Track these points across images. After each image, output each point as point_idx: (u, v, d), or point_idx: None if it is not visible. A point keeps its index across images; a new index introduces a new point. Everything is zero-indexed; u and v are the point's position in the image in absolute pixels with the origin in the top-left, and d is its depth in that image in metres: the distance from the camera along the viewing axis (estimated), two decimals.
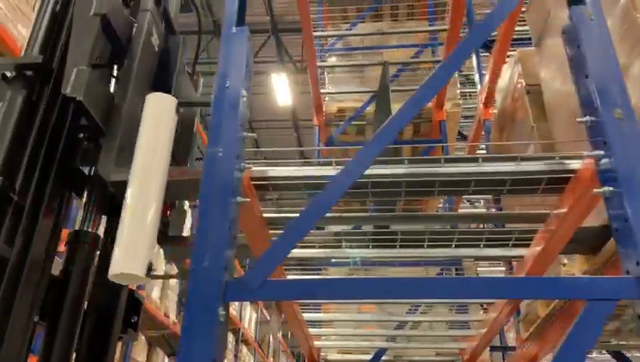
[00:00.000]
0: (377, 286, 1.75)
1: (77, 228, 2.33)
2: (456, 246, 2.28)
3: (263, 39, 14.64)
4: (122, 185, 2.15)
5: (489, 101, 4.50)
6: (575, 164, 1.79)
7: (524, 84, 2.96)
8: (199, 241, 1.68)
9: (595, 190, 1.65)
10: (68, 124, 2.26)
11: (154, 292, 6.26)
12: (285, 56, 15.22)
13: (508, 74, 3.36)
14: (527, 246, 2.25)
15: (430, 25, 5.61)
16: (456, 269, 3.98)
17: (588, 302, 1.50)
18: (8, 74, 2.17)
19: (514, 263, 3.55)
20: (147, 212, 1.80)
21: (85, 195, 2.41)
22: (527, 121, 2.90)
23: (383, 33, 5.56)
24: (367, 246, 2.41)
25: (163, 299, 6.67)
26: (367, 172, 1.85)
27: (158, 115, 2.03)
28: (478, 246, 2.27)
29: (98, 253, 2.34)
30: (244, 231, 2.17)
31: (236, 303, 13.40)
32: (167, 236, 2.51)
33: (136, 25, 2.54)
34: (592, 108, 1.69)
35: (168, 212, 2.55)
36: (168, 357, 7.52)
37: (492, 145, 3.73)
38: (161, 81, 2.64)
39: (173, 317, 7.01)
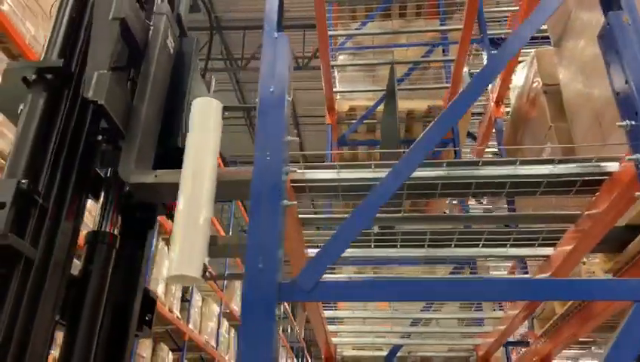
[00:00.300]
0: (431, 287, 1.76)
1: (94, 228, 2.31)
2: (484, 246, 2.28)
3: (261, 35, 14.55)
4: (142, 187, 2.19)
5: (501, 99, 4.50)
6: (612, 167, 1.81)
7: (541, 83, 2.95)
8: (252, 243, 1.68)
9: (637, 193, 1.66)
10: (87, 126, 2.26)
11: (158, 288, 6.28)
12: None
13: (523, 73, 3.35)
14: (552, 246, 2.25)
15: (441, 24, 5.62)
16: (471, 268, 3.98)
17: (635, 304, 1.49)
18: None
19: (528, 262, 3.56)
20: (200, 214, 1.81)
21: (102, 196, 2.41)
22: (544, 121, 2.90)
23: (395, 32, 5.57)
24: (395, 246, 2.41)
25: (167, 295, 6.70)
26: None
27: (206, 118, 2.02)
28: (504, 246, 2.27)
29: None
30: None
31: (237, 298, 13.44)
32: None
33: (152, 28, 2.56)
34: (632, 113, 1.70)
35: None
36: (172, 352, 7.54)
37: (506, 146, 3.72)
38: (176, 83, 2.65)
39: (177, 312, 7.03)
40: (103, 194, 2.41)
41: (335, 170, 2.10)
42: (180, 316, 7.15)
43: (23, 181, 1.86)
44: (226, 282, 10.91)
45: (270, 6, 2.19)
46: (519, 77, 3.50)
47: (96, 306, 2.17)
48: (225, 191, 2.13)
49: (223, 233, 10.34)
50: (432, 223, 2.40)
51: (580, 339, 4.29)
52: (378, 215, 2.07)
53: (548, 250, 2.27)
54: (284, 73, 2.04)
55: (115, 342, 2.25)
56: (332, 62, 5.36)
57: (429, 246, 2.35)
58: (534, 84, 3.06)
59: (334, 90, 5.44)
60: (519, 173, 1.86)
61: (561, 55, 2.78)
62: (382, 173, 1.91)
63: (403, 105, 5.12)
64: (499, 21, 6.32)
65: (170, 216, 2.49)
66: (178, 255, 1.76)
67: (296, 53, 14.97)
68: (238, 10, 13.38)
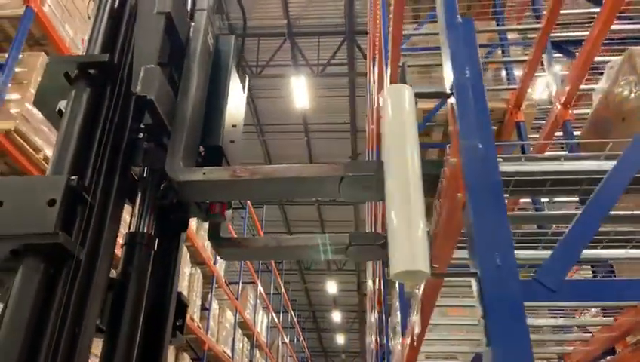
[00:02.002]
0: None
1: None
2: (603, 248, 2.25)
3: (277, 43, 14.66)
4: (190, 185, 2.12)
5: (569, 102, 4.41)
6: None
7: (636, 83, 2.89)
8: (481, 240, 1.58)
9: None
10: (129, 123, 2.21)
11: None
12: (300, 60, 15.23)
13: (610, 74, 3.29)
14: None
15: (498, 25, 5.57)
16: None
17: None
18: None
19: None
20: (413, 205, 1.69)
21: (139, 196, 2.35)
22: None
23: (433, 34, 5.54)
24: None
25: (189, 303, 6.63)
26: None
27: (401, 107, 1.90)
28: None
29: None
30: None
31: (250, 307, 13.37)
32: (219, 237, 2.46)
33: (193, 24, 2.52)
34: None
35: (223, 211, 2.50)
36: (193, 361, 7.48)
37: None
38: (215, 82, 2.61)
39: (197, 320, 6.98)
40: (139, 193, 2.36)
41: (558, 162, 2.01)
42: (200, 324, 7.10)
43: (72, 178, 1.80)
44: (240, 290, 10.84)
45: None
46: (603, 79, 3.45)
47: (137, 309, 2.10)
48: (310, 188, 2.08)
49: None
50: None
51: None
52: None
53: None
54: (475, 56, 1.92)
55: (151, 347, 2.17)
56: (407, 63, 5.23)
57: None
58: (627, 84, 3.01)
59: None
60: None
61: None
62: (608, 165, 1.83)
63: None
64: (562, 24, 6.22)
65: (211, 218, 2.45)
66: (401, 250, 1.65)
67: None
68: (252, 17, 13.45)
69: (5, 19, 5.37)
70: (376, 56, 7.16)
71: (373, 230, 10.04)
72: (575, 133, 4.29)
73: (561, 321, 3.73)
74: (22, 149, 4.97)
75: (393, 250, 1.63)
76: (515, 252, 1.56)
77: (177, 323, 2.39)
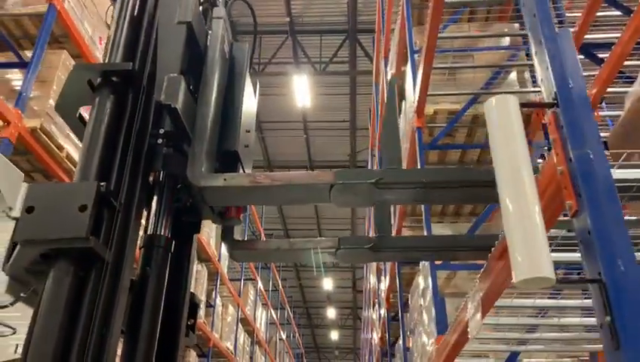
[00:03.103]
0: None
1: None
2: None
3: (279, 40, 14.66)
4: (211, 191, 2.18)
5: (595, 104, 4.43)
6: None
7: None
8: (603, 247, 1.61)
9: None
10: (149, 129, 2.27)
11: None
12: (302, 58, 15.24)
13: None
14: None
15: (521, 28, 5.62)
16: None
17: None
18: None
19: None
20: (534, 214, 1.70)
21: (156, 199, 2.41)
22: None
23: (471, 37, 5.65)
24: None
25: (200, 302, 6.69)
26: None
27: (508, 117, 1.91)
28: None
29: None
30: None
31: (250, 304, 13.44)
32: (233, 239, 2.54)
33: (210, 32, 2.58)
34: None
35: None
36: (199, 357, 7.53)
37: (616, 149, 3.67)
38: (230, 88, 2.67)
39: (203, 317, 7.03)
40: (156, 197, 2.42)
41: None
42: (205, 321, 7.15)
43: (102, 183, 1.86)
44: (242, 286, 10.89)
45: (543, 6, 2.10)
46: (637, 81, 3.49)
47: (156, 311, 2.17)
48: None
49: None
50: None
51: None
52: None
53: None
54: (577, 66, 1.94)
55: (167, 347, 2.23)
56: (441, 64, 5.30)
57: None
58: None
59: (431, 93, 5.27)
60: None
61: None
62: None
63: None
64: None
65: (227, 222, 2.51)
66: (525, 257, 1.69)
67: (312, 59, 15.05)
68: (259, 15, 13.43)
69: (26, 16, 5.42)
70: (395, 56, 7.14)
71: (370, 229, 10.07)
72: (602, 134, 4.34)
73: None
74: (46, 147, 5.02)
75: (516, 258, 1.67)
76: None
77: (189, 323, 2.45)
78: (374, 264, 11.62)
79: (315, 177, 2.20)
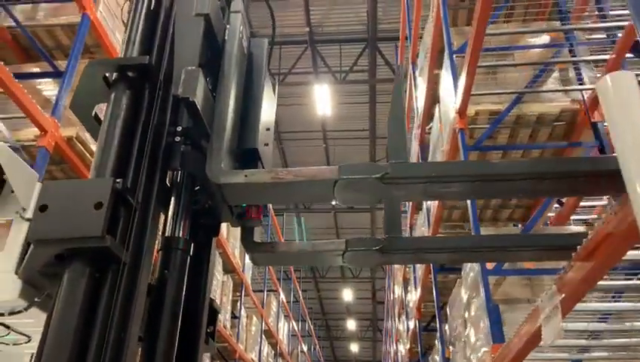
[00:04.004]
0: None
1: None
2: None
3: (299, 50, 14.67)
4: (231, 188, 2.09)
5: None
6: None
7: None
8: None
9: None
10: (167, 126, 2.19)
11: None
12: (321, 67, 15.23)
13: None
14: None
15: (562, 24, 5.52)
16: None
17: None
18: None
19: None
20: None
21: (173, 200, 2.32)
22: None
23: (517, 32, 5.55)
24: None
25: (220, 310, 6.61)
26: None
27: (628, 95, 1.74)
28: None
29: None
30: None
31: (273, 315, 13.33)
32: (253, 241, 2.44)
33: (228, 26, 2.50)
34: None
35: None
36: None
37: None
38: (249, 85, 2.58)
39: (229, 328, 6.95)
40: (173, 198, 2.33)
41: None
42: (231, 333, 7.07)
43: (118, 180, 1.77)
44: (265, 297, 10.80)
45: None
46: None
47: (175, 316, 2.06)
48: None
49: None
50: None
51: None
52: None
53: None
54: None
55: (186, 355, 2.12)
56: (484, 63, 5.19)
57: None
58: None
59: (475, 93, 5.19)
60: None
61: None
62: None
63: (532, 108, 5.12)
64: None
65: (247, 223, 2.41)
66: None
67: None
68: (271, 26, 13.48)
69: (58, 26, 5.47)
70: (426, 59, 7.04)
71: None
72: None
73: None
74: (81, 156, 5.03)
75: None
76: None
77: (208, 330, 2.36)
78: (399, 274, 11.47)
79: (320, 173, 2.08)
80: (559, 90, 5.24)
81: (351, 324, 30.18)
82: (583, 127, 5.15)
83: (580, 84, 5.20)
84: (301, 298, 19.88)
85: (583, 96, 5.08)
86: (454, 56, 5.48)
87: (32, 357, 2.84)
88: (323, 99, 14.55)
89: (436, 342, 7.73)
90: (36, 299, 1.88)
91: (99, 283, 1.69)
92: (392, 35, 13.45)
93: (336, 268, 24.82)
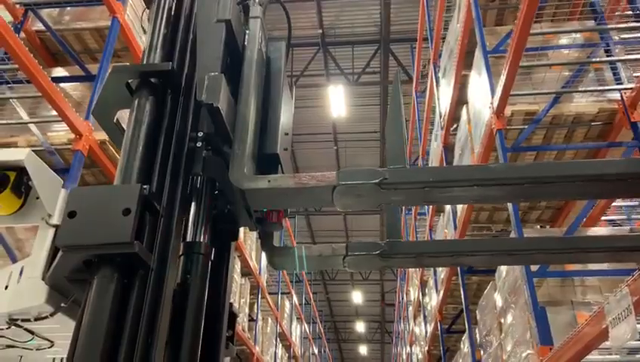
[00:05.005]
0: None
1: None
2: None
3: (311, 52, 14.67)
4: (254, 193, 2.10)
5: None
6: None
7: None
8: None
9: None
10: (189, 131, 2.20)
11: None
12: (332, 69, 15.23)
13: None
14: None
15: (598, 24, 5.50)
16: None
17: None
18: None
19: None
20: None
21: (194, 205, 2.33)
22: None
23: (554, 32, 5.58)
24: None
25: (240, 313, 6.63)
26: None
27: None
28: None
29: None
30: None
31: (286, 317, 13.33)
32: (272, 246, 2.47)
33: (248, 31, 2.51)
34: None
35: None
36: None
37: None
38: (269, 89, 2.59)
39: (247, 331, 6.94)
40: (194, 203, 2.34)
41: None
42: (249, 336, 7.07)
43: (145, 186, 1.78)
44: (279, 300, 10.82)
45: None
46: None
47: (198, 320, 2.07)
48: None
49: None
50: None
51: None
52: None
53: None
54: None
55: (208, 359, 2.12)
56: (527, 62, 5.20)
57: None
58: None
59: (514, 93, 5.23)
60: None
61: None
62: None
63: (570, 108, 5.16)
64: None
65: (268, 228, 2.42)
66: None
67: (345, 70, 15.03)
68: (283, 27, 13.50)
69: (87, 30, 5.52)
70: (452, 60, 7.04)
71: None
72: None
73: None
74: (113, 160, 5.08)
75: None
76: None
77: (228, 334, 2.37)
78: (416, 276, 11.42)
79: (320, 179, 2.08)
80: (599, 90, 5.22)
81: (359, 326, 30.12)
82: (621, 127, 5.13)
83: (618, 84, 5.17)
84: (312, 300, 19.87)
85: (622, 96, 5.05)
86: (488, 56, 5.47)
87: (53, 361, 2.88)
88: (337, 101, 14.54)
89: (461, 344, 7.69)
90: (62, 305, 1.89)
91: (127, 288, 1.70)
92: (406, 37, 13.43)
93: (345, 271, 24.78)
